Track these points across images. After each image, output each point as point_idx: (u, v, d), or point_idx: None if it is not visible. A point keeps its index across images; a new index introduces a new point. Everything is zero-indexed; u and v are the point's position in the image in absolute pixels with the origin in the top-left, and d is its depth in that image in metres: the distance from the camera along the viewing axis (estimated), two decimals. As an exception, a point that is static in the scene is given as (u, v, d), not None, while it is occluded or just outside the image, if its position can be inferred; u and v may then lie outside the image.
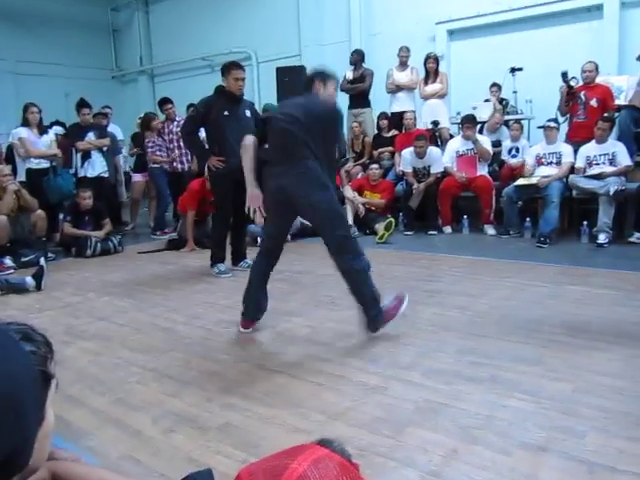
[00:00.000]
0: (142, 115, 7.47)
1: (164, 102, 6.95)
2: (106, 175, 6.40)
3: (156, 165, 6.68)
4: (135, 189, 7.26)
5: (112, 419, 2.07)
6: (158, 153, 6.66)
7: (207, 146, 4.59)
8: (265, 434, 1.90)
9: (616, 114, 5.98)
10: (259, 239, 5.78)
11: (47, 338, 0.84)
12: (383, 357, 2.56)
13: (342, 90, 7.74)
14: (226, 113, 4.26)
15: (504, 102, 7.02)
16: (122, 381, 2.42)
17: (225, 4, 10.99)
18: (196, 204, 5.46)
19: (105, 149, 6.43)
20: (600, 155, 5.37)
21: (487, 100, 6.94)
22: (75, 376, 2.47)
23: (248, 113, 4.42)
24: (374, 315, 2.79)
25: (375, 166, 6.33)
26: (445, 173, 6.17)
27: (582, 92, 5.83)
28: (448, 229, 6.06)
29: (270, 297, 3.73)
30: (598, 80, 5.96)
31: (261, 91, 10.46)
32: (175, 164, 6.70)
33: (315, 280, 4.20)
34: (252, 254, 5.37)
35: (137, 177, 7.21)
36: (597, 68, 5.86)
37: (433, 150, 6.23)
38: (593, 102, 5.76)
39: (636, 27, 7.07)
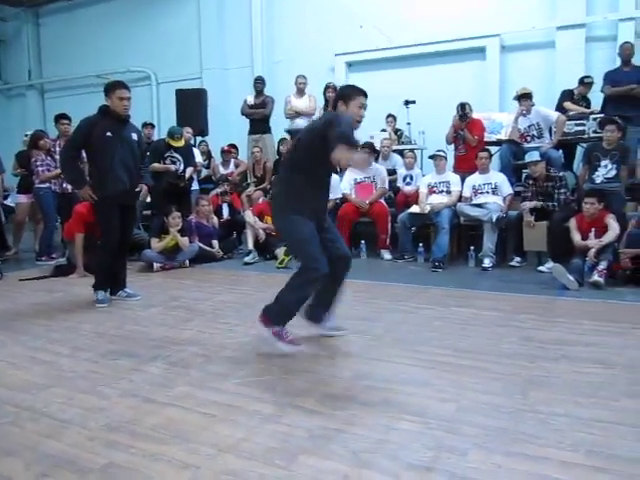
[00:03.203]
0: (30, 132, 7.01)
1: (61, 117, 6.55)
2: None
3: (43, 185, 6.26)
4: (19, 211, 6.75)
5: (-23, 467, 1.87)
6: (48, 173, 6.25)
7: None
8: (151, 472, 1.81)
9: (497, 148, 6.51)
10: (155, 265, 5.60)
11: None
12: (279, 385, 2.54)
13: (243, 114, 7.80)
14: (109, 134, 4.03)
15: (399, 132, 7.40)
16: (-8, 423, 2.20)
17: (124, 21, 10.72)
18: (83, 228, 5.17)
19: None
20: (484, 184, 5.79)
21: (383, 130, 7.27)
22: None
23: (135, 136, 4.26)
24: (273, 314, 2.92)
25: (276, 191, 6.36)
26: (343, 199, 6.33)
27: (460, 129, 6.29)
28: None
29: (164, 325, 3.63)
30: (478, 115, 6.47)
31: (160, 112, 10.23)
32: (65, 185, 6.32)
33: (213, 307, 4.10)
34: (149, 280, 5.22)
35: (21, 198, 6.72)
36: (470, 107, 6.32)
37: (332, 177, 6.36)
38: (470, 137, 6.22)
39: (514, 69, 7.78)
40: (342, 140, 2.67)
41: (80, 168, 4.30)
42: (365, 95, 2.97)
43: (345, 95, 2.97)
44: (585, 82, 6.55)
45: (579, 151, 6.50)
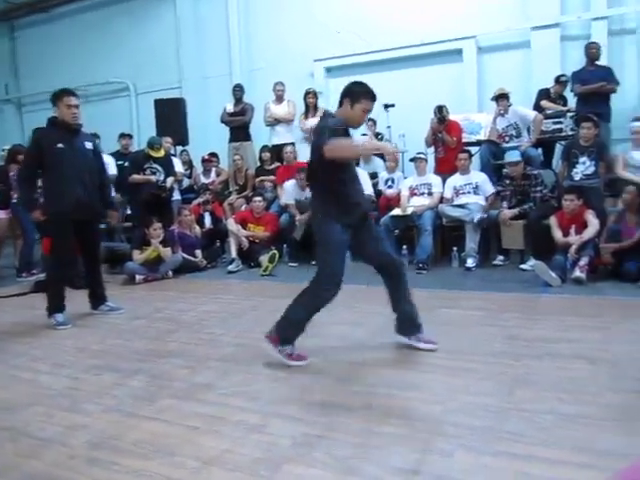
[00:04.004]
0: (7, 147, 6.92)
1: None
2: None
3: (21, 201, 6.17)
4: (-2, 227, 6.64)
5: (-47, 491, 1.83)
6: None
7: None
8: (134, 489, 1.78)
9: (477, 148, 6.55)
10: (137, 277, 5.54)
11: None
12: (263, 394, 2.52)
13: (222, 122, 7.77)
14: (60, 145, 3.86)
15: (380, 136, 7.40)
16: (-30, 445, 2.15)
17: (101, 33, 10.64)
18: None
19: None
20: (465, 185, 5.81)
21: (364, 134, 7.27)
22: None
23: (89, 145, 4.10)
24: (283, 332, 2.87)
25: (258, 198, 6.34)
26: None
27: (438, 131, 6.32)
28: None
29: (147, 337, 3.58)
30: (455, 117, 6.51)
31: (140, 123, 10.15)
32: (44, 199, 6.23)
33: (197, 317, 4.06)
34: (132, 292, 5.16)
35: (0, 214, 6.60)
36: (447, 109, 6.34)
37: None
38: (449, 139, 6.25)
39: (491, 70, 7.85)
40: (325, 136, 2.64)
41: (35, 189, 4.11)
42: (374, 99, 2.84)
43: (353, 94, 2.83)
44: (561, 81, 6.63)
45: (558, 149, 6.57)
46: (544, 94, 6.68)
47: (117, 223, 4.72)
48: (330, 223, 2.81)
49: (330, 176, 2.80)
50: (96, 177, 4.13)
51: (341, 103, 2.89)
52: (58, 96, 3.95)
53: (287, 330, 2.89)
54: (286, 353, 2.87)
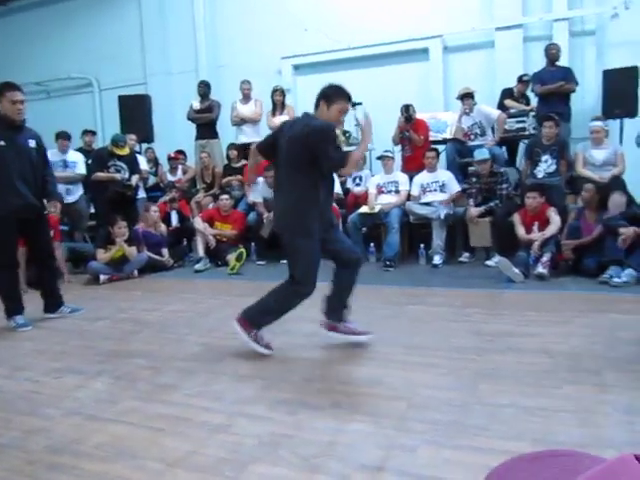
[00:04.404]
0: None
1: None
2: None
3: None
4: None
5: None
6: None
7: None
8: (94, 493, 1.74)
9: (442, 147, 6.63)
10: (101, 277, 5.43)
11: None
12: (228, 393, 2.50)
13: (189, 119, 7.68)
14: (2, 143, 3.69)
15: (347, 134, 7.43)
16: None
17: (63, 26, 10.37)
18: (23, 242, 4.94)
19: None
20: (432, 182, 5.89)
21: (331, 132, 7.28)
22: None
23: (32, 143, 3.89)
24: (252, 317, 2.96)
25: (225, 197, 6.29)
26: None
27: (405, 130, 6.38)
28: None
29: (111, 338, 3.52)
30: (421, 116, 6.58)
31: (104, 120, 9.94)
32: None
33: (162, 317, 4.01)
34: (95, 292, 5.05)
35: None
36: (414, 108, 6.42)
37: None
38: (416, 138, 6.32)
39: (457, 69, 7.95)
40: (332, 149, 2.75)
41: None
42: (350, 100, 2.94)
43: (329, 95, 2.89)
44: (523, 80, 6.77)
45: (521, 147, 6.71)
46: (507, 93, 6.81)
47: (56, 211, 4.47)
48: (309, 239, 2.88)
49: (311, 180, 2.84)
50: (40, 174, 3.95)
51: (317, 105, 2.95)
52: (1, 91, 3.72)
53: (256, 316, 2.97)
54: (254, 336, 2.95)
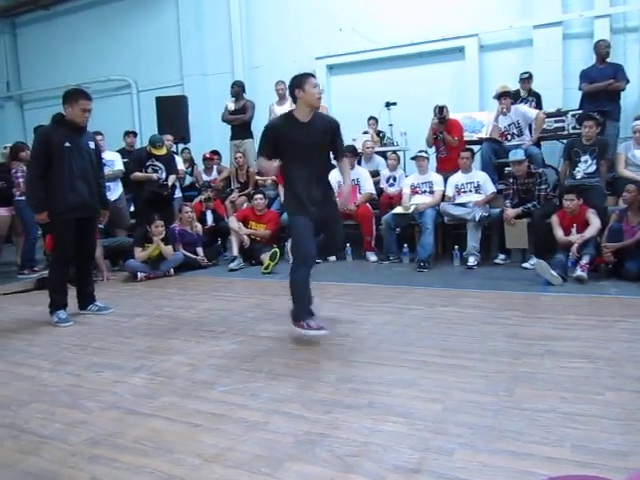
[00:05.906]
0: (9, 145, 6.92)
1: None
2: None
3: (24, 197, 6.17)
4: (-1, 225, 6.65)
5: (-45, 488, 1.83)
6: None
7: None
8: (134, 486, 1.78)
9: (478, 147, 6.54)
10: (139, 274, 5.55)
11: None
12: (264, 391, 2.52)
13: (224, 121, 7.78)
14: (67, 144, 3.88)
15: (381, 134, 7.41)
16: (-29, 442, 2.16)
17: (103, 30, 10.65)
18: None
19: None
20: (467, 183, 5.81)
21: (365, 132, 7.27)
22: None
23: (92, 145, 4.12)
24: (294, 313, 3.30)
25: (260, 196, 6.34)
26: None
27: (439, 132, 6.31)
28: (332, 257, 6.19)
29: (148, 335, 3.60)
30: (456, 116, 6.50)
31: (142, 120, 10.15)
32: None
33: (198, 315, 4.07)
34: (133, 290, 5.17)
35: (1, 211, 6.61)
36: (447, 109, 6.34)
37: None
38: (450, 139, 6.25)
39: (493, 68, 7.83)
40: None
41: (43, 191, 3.93)
42: (313, 76, 3.24)
43: (298, 83, 3.18)
44: (523, 78, 6.67)
45: (559, 147, 6.56)
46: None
47: (104, 220, 4.69)
48: (295, 215, 3.32)
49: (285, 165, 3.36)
50: (97, 175, 4.18)
51: (294, 98, 3.25)
52: (74, 96, 3.93)
53: (293, 311, 3.31)
54: (306, 326, 3.21)
